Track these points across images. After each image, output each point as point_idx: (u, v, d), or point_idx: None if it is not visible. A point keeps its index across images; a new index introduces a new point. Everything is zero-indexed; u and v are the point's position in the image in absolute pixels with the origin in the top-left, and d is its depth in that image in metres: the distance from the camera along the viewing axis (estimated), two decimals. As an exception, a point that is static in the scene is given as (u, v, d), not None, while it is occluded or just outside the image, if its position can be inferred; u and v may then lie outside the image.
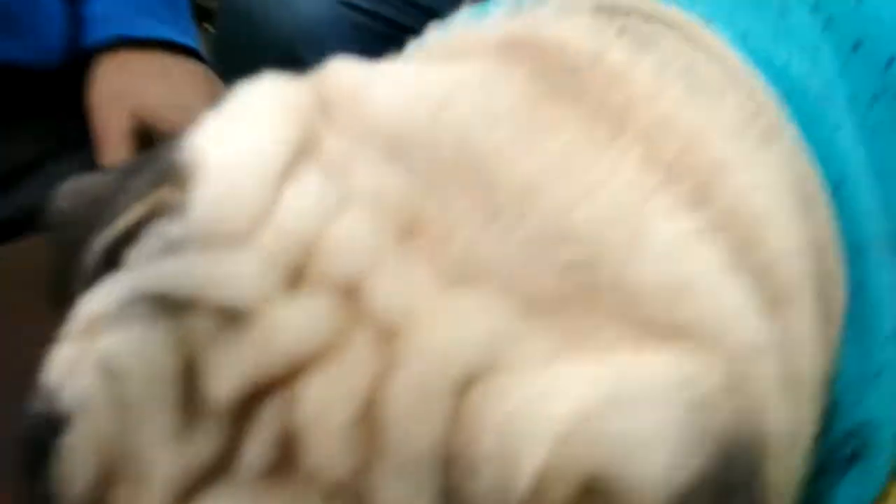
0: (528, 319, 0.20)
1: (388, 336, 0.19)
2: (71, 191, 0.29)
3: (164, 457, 0.19)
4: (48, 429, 0.20)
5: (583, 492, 0.18)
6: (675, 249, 0.23)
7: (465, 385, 0.19)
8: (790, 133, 0.28)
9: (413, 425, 0.18)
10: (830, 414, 0.30)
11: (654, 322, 0.21)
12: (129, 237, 0.25)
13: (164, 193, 0.23)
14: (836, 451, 0.31)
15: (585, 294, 0.21)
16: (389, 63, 0.28)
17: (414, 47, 0.32)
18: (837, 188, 0.29)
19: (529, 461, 0.18)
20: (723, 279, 0.23)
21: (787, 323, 0.26)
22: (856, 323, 0.29)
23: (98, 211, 0.27)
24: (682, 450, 0.19)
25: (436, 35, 0.32)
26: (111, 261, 0.25)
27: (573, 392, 0.19)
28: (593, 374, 0.20)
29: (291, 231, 0.20)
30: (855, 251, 0.29)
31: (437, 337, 0.19)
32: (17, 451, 0.22)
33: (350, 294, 0.20)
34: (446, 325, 0.19)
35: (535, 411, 0.18)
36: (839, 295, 0.29)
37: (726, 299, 0.23)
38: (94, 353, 0.21)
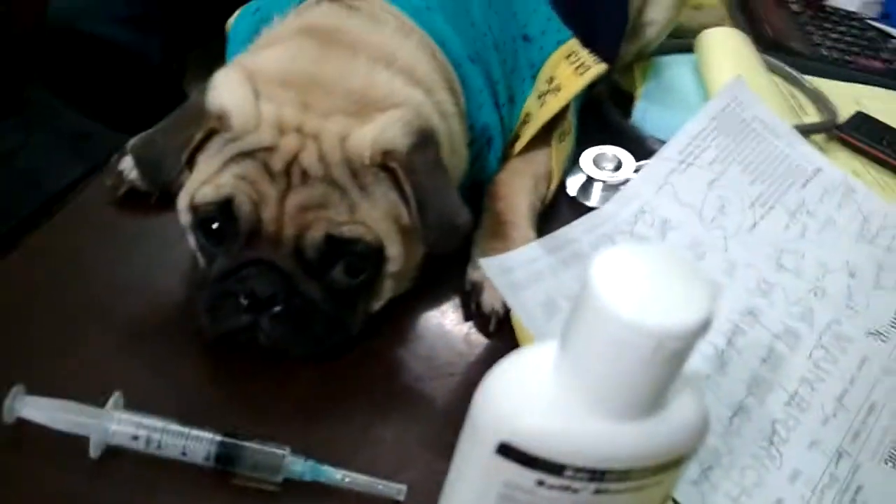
0: (352, 117, 0.64)
1: (311, 138, 0.63)
2: (139, 140, 0.68)
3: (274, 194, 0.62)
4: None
5: (382, 155, 0.63)
6: (384, 82, 0.66)
7: (343, 139, 0.63)
8: (419, 33, 0.72)
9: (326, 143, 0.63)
10: (472, 126, 0.75)
11: (385, 104, 0.65)
12: (196, 149, 0.65)
13: (210, 124, 0.64)
14: (481, 138, 0.77)
15: (361, 105, 0.65)
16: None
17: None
18: (441, 40, 0.74)
19: (366, 146, 0.63)
20: (404, 87, 0.68)
21: (437, 96, 0.71)
22: (467, 93, 0.74)
23: (165, 144, 0.66)
24: (408, 133, 0.64)
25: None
26: (190, 162, 0.65)
27: (374, 128, 0.63)
28: (371, 124, 0.64)
29: (271, 122, 0.63)
30: (456, 64, 0.74)
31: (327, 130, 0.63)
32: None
33: (296, 130, 0.63)
34: (328, 130, 0.63)
35: (363, 136, 0.63)
36: (457, 86, 0.74)
37: (406, 91, 0.67)
38: (223, 178, 0.63)
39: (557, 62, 0.81)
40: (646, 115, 0.98)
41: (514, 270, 0.70)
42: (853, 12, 1.28)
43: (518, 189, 0.78)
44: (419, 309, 0.73)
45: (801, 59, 1.13)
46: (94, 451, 0.57)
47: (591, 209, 0.83)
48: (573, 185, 0.87)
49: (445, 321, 0.73)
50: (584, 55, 0.83)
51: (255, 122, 0.63)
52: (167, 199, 0.75)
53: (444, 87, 0.72)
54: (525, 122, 0.81)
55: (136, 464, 0.58)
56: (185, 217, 0.67)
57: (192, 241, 0.68)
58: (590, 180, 0.87)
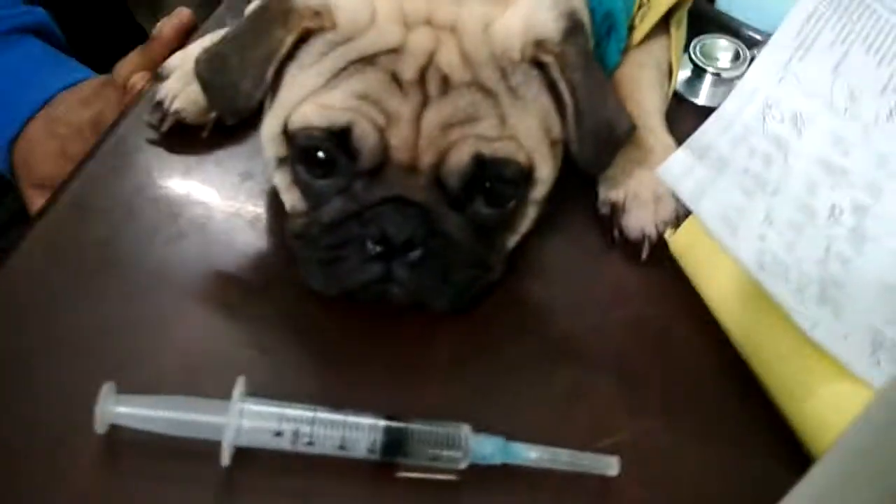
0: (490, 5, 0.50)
1: (447, 30, 0.49)
2: (203, 58, 0.52)
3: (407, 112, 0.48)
4: None
5: (535, 45, 0.49)
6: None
7: (485, 28, 0.49)
8: None
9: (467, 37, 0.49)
10: (592, 11, 0.62)
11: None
12: (285, 60, 0.50)
13: (303, 23, 0.49)
14: (601, 27, 0.63)
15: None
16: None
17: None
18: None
19: (516, 35, 0.49)
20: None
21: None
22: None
23: (242, 58, 0.50)
24: (559, 16, 0.50)
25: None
26: (278, 75, 0.50)
27: (522, 13, 0.50)
28: (516, 8, 0.50)
29: (391, 14, 0.48)
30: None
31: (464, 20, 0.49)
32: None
33: (425, 22, 0.48)
34: (466, 19, 0.49)
35: (510, 23, 0.49)
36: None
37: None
38: (334, 97, 0.48)
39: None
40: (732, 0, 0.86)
41: (680, 181, 0.58)
42: None
43: (646, 86, 0.66)
44: (549, 240, 0.60)
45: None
46: (225, 458, 0.44)
47: (696, 105, 0.73)
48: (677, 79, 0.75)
49: (586, 251, 0.60)
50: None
51: (369, 15, 0.48)
52: (220, 129, 0.61)
53: None
54: (640, 6, 0.67)
55: (276, 467, 0.45)
56: (273, 148, 0.52)
57: (281, 177, 0.53)
58: (698, 73, 0.74)
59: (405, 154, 0.48)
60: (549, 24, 0.50)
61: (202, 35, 0.67)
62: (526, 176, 0.51)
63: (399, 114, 0.48)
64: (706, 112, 0.71)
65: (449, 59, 0.48)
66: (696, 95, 0.75)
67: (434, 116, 0.48)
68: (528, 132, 0.50)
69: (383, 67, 0.48)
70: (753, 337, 0.55)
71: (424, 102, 0.48)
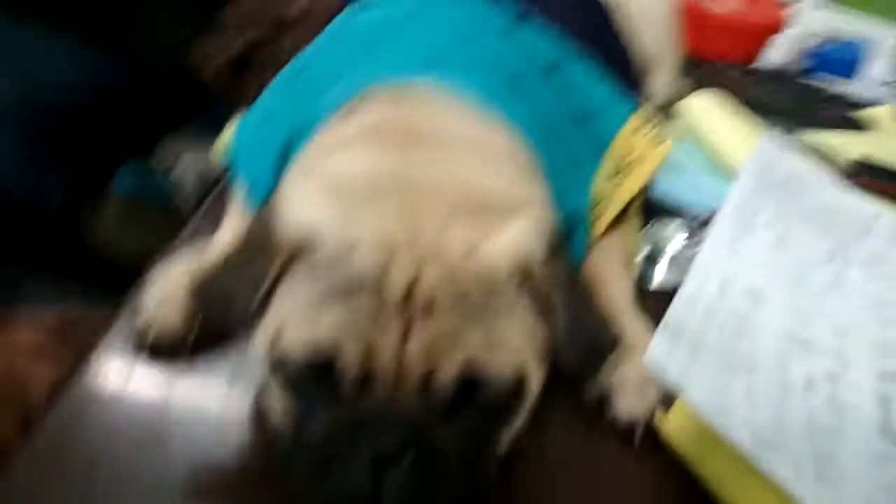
0: (473, 224, 0.51)
1: (430, 255, 0.50)
2: (204, 290, 0.53)
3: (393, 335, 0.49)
4: None
5: (523, 269, 0.51)
6: (491, 178, 0.55)
7: (470, 252, 0.50)
8: (495, 116, 0.61)
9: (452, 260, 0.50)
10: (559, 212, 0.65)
11: (504, 205, 0.54)
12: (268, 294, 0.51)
13: (288, 251, 0.50)
14: (569, 224, 0.66)
15: (476, 207, 0.53)
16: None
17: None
18: (517, 123, 0.63)
19: (504, 257, 0.50)
20: (513, 182, 0.57)
21: (535, 188, 0.60)
22: (550, 178, 0.63)
23: (235, 282, 0.51)
24: (543, 240, 0.53)
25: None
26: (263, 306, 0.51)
27: (510, 238, 0.51)
28: (504, 234, 0.52)
29: (373, 241, 0.50)
30: (536, 147, 0.64)
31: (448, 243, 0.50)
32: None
33: (408, 247, 0.50)
34: (450, 242, 0.51)
35: (497, 248, 0.51)
36: (541, 174, 0.63)
37: (516, 187, 0.57)
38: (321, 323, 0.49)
39: (629, 135, 0.73)
40: (658, 184, 0.92)
41: (664, 370, 0.59)
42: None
43: (615, 278, 0.68)
44: (540, 432, 0.59)
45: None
46: None
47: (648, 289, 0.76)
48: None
49: (580, 441, 0.60)
50: (650, 126, 0.75)
51: (352, 242, 0.50)
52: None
53: (536, 175, 0.61)
54: (596, 204, 0.71)
55: None
56: (263, 360, 0.52)
57: (272, 394, 0.53)
58: (652, 257, 0.78)
59: (391, 374, 0.49)
60: (535, 249, 0.52)
61: (174, 251, 0.67)
62: (516, 389, 0.52)
63: (383, 340, 0.49)
64: (660, 295, 0.75)
65: (433, 283, 0.49)
66: (651, 277, 0.78)
67: (420, 338, 0.49)
68: (516, 346, 0.52)
69: (368, 293, 0.49)
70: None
71: (410, 324, 0.49)
